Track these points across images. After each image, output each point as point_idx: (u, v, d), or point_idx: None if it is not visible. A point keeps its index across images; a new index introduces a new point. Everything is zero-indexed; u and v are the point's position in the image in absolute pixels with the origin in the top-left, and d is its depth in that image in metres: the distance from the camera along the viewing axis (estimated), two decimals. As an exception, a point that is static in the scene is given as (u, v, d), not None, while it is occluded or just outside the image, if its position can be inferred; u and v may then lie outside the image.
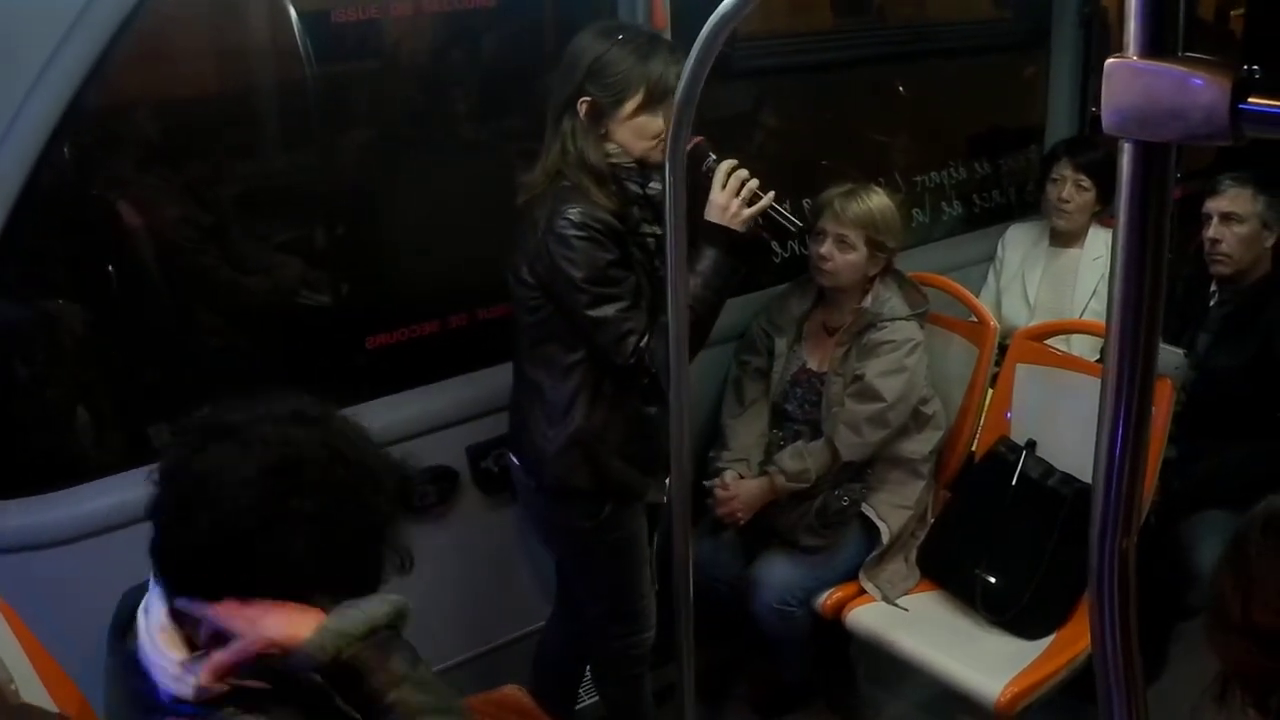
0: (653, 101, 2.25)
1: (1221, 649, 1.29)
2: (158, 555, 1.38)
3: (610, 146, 2.29)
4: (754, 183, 2.28)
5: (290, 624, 1.30)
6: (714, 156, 2.29)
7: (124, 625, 1.48)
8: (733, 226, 2.27)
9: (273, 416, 1.39)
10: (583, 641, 2.75)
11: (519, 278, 2.34)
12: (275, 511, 1.32)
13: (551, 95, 2.33)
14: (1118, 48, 0.73)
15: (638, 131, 2.28)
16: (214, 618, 1.32)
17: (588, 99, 2.26)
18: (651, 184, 2.32)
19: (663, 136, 2.25)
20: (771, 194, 2.29)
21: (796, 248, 3.22)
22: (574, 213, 2.23)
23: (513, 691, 2.41)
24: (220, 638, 1.33)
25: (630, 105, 2.25)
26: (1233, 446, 3.03)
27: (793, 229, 2.36)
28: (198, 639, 1.36)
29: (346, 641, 1.30)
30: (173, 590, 1.39)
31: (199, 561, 1.35)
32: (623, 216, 2.30)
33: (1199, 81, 0.69)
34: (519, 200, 2.36)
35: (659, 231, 2.34)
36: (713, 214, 2.27)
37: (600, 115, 2.27)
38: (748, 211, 2.27)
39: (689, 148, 2.28)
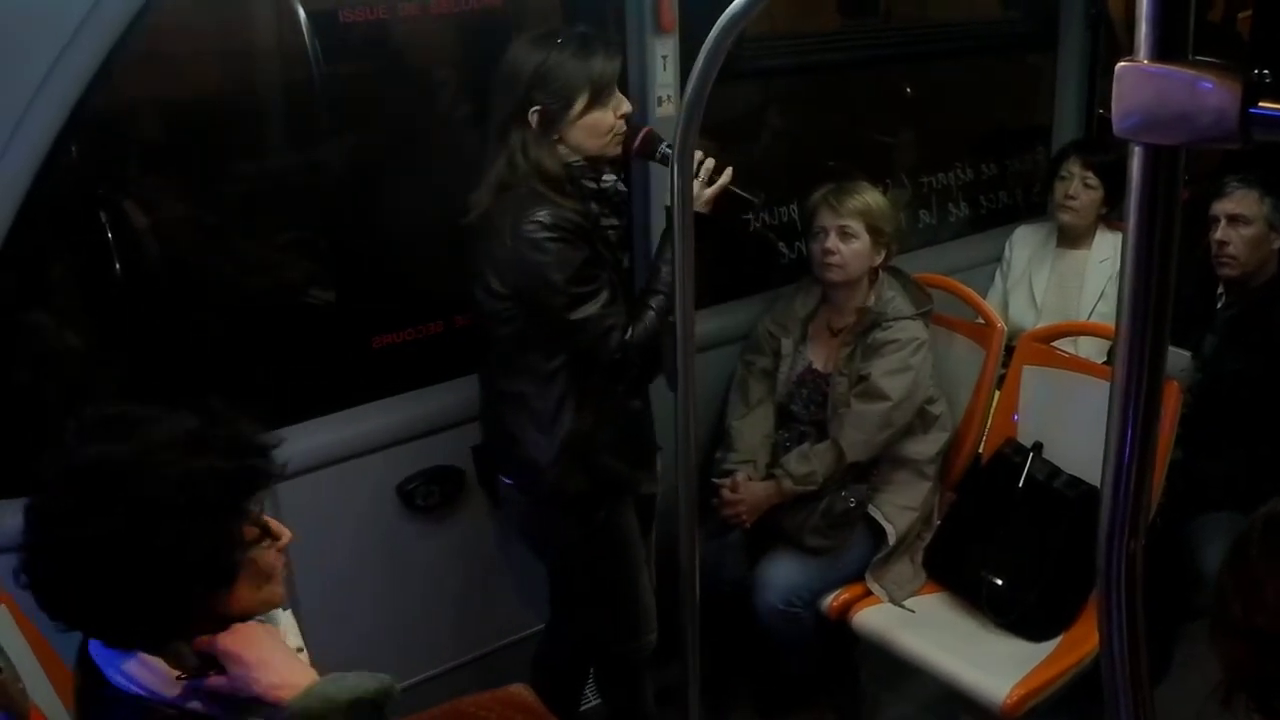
0: (599, 98, 2.27)
1: (1224, 652, 1.28)
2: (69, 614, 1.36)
3: (562, 150, 2.30)
4: (710, 163, 2.33)
5: (286, 679, 1.36)
6: (667, 143, 2.27)
7: None
8: (694, 209, 2.24)
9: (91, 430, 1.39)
10: (582, 647, 2.75)
11: (489, 290, 2.31)
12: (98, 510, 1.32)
13: (494, 111, 2.30)
14: (1124, 49, 0.73)
15: (589, 130, 2.28)
16: (221, 651, 1.37)
17: (538, 108, 2.26)
18: (605, 178, 2.35)
19: (615, 130, 2.30)
20: (729, 171, 2.35)
21: (801, 248, 3.22)
22: (543, 215, 2.22)
23: (519, 690, 2.40)
24: (213, 661, 1.38)
25: (579, 106, 2.26)
26: (1239, 448, 3.02)
27: (756, 201, 2.44)
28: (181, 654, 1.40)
29: (331, 708, 1.34)
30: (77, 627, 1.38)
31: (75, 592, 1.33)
32: (584, 214, 2.30)
33: (1209, 85, 0.69)
34: (467, 219, 2.33)
35: (617, 223, 2.40)
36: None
37: (551, 121, 2.27)
38: (708, 192, 2.33)
39: (639, 139, 2.32)
